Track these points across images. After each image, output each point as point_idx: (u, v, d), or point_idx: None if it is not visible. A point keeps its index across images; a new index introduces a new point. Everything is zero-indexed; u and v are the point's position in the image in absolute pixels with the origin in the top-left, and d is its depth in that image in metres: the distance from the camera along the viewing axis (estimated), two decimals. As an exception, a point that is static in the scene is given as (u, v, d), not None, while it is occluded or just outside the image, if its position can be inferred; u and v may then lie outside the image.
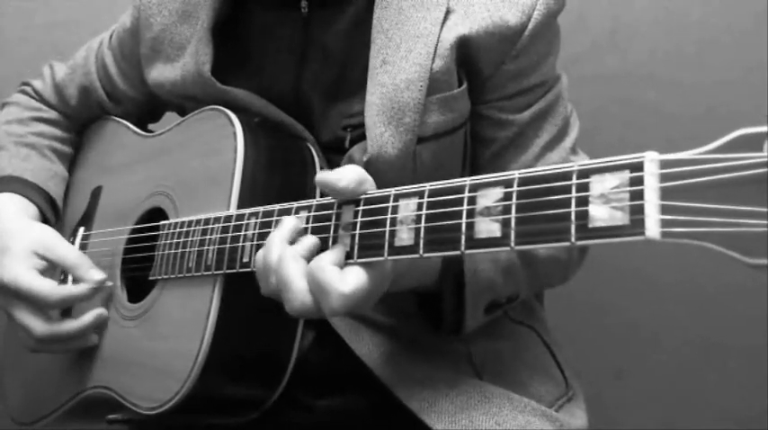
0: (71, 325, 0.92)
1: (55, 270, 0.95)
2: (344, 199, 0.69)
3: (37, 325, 0.91)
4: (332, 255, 0.67)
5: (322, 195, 0.84)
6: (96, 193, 1.07)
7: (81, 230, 1.06)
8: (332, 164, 0.87)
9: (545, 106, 0.89)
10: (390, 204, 0.65)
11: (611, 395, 1.35)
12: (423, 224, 0.62)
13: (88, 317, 0.92)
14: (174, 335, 0.83)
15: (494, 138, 0.89)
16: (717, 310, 1.36)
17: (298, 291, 0.67)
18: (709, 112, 1.30)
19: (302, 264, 0.68)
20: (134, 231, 0.96)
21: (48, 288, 0.90)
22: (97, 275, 0.92)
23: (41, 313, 0.92)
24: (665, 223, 0.48)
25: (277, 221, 0.74)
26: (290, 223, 0.72)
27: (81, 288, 0.91)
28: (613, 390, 1.38)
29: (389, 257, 0.64)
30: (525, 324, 0.99)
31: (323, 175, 0.69)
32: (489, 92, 0.87)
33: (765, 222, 0.44)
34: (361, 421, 0.90)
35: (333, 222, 0.69)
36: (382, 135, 0.83)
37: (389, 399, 0.83)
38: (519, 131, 0.88)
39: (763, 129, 0.46)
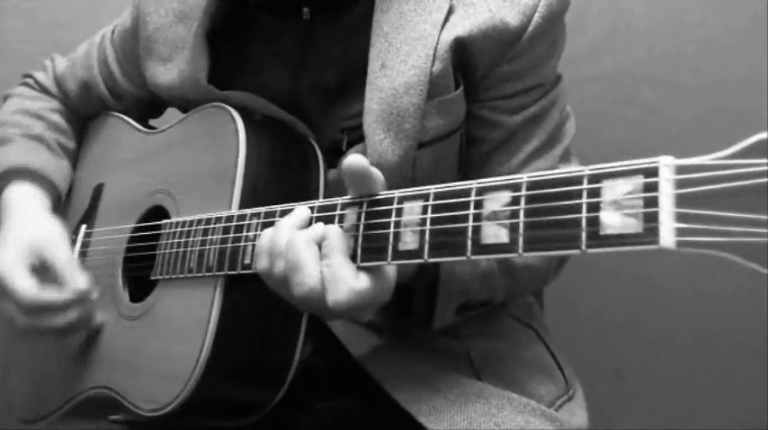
0: (52, 319, 0.89)
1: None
2: (364, 186, 0.67)
3: (19, 317, 0.89)
4: (344, 254, 0.66)
5: (325, 196, 0.83)
6: (98, 190, 1.06)
7: (83, 228, 1.05)
8: (329, 167, 0.87)
9: (539, 110, 0.88)
10: (395, 206, 0.63)
11: (610, 395, 1.34)
12: (428, 227, 0.60)
13: (67, 291, 0.89)
14: (176, 337, 0.82)
15: (483, 139, 0.88)
16: (717, 310, 1.35)
17: (309, 274, 0.65)
18: (708, 113, 1.30)
19: (315, 250, 0.66)
20: (136, 230, 0.95)
21: (24, 289, 0.88)
22: (80, 283, 0.89)
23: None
24: (680, 232, 0.46)
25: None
26: (301, 212, 0.71)
27: (58, 296, 0.88)
28: (613, 391, 1.38)
29: (393, 262, 0.63)
30: (524, 322, 0.99)
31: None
32: (483, 91, 0.86)
33: None
34: (363, 423, 0.90)
35: (336, 224, 0.67)
36: (382, 142, 0.82)
37: (390, 402, 0.83)
38: (508, 134, 0.87)
39: None
